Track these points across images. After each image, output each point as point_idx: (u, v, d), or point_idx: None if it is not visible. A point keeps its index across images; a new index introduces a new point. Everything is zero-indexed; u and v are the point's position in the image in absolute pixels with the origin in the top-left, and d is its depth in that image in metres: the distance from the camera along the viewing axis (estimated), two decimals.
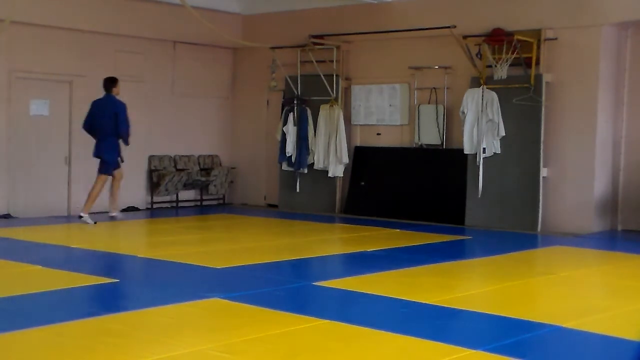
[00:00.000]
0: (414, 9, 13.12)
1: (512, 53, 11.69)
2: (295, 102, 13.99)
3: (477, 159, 12.12)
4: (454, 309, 6.65)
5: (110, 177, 12.00)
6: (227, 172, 15.03)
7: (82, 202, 13.06)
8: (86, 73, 13.11)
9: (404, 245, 10.20)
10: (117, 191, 12.24)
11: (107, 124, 11.75)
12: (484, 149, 12.04)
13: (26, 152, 12.54)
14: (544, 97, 11.76)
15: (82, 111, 13.10)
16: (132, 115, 13.72)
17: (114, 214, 12.23)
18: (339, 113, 13.66)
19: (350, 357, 5.24)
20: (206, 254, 9.25)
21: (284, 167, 14.21)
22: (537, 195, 11.83)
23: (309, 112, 13.98)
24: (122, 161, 12.09)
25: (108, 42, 13.40)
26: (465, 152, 12.24)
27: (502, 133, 11.94)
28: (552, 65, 11.87)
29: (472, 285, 8.15)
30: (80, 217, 11.72)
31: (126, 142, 11.98)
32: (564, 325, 6.04)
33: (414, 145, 13.24)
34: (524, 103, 11.78)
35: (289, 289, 7.45)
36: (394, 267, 8.54)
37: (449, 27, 11.81)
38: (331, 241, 11.22)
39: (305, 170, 13.98)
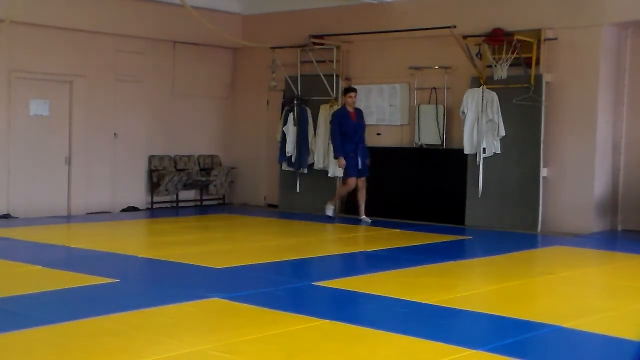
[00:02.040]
0: (414, 9, 13.12)
1: (512, 53, 11.68)
2: (295, 102, 13.99)
3: (477, 159, 12.12)
4: (454, 309, 6.65)
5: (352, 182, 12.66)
6: (227, 172, 15.03)
7: (82, 202, 13.17)
8: (86, 73, 13.12)
9: (404, 245, 10.19)
10: (359, 198, 12.67)
11: None
12: (484, 149, 12.04)
13: (26, 152, 12.54)
14: (544, 97, 11.76)
15: (82, 111, 13.15)
16: (132, 115, 13.82)
17: (360, 218, 12.56)
18: None
19: (350, 357, 5.24)
20: (206, 254, 9.25)
21: (284, 167, 14.21)
22: (537, 195, 11.83)
23: (309, 112, 13.98)
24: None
25: (108, 42, 13.40)
26: (465, 152, 12.24)
27: (502, 133, 11.95)
28: (552, 65, 11.87)
29: (472, 285, 8.15)
30: (327, 212, 12.73)
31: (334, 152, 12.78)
32: (564, 325, 6.04)
33: (414, 145, 13.24)
34: (524, 103, 11.78)
35: (289, 289, 7.45)
36: (394, 267, 8.54)
37: (449, 27, 11.81)
38: (331, 241, 11.22)
39: (305, 170, 13.98)
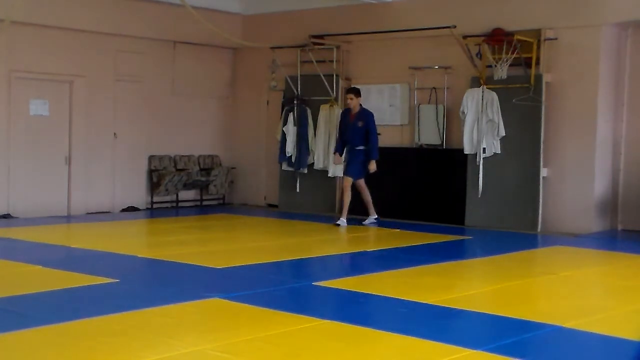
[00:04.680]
0: (414, 9, 13.12)
1: (512, 53, 11.68)
2: (295, 102, 14.00)
3: (477, 159, 12.13)
4: (454, 309, 6.65)
5: (356, 183, 12.33)
6: (227, 172, 15.03)
7: (82, 202, 13.16)
8: (86, 73, 13.12)
9: (404, 245, 10.20)
10: (364, 199, 12.36)
11: None
12: (484, 149, 12.05)
13: (26, 152, 12.54)
14: (544, 97, 11.76)
15: (82, 111, 13.15)
16: (132, 115, 13.82)
17: (367, 222, 12.29)
18: (339, 113, 13.65)
19: (350, 357, 5.24)
20: (206, 254, 9.25)
21: (284, 167, 14.21)
22: (537, 195, 11.83)
23: (309, 112, 13.99)
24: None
25: (108, 42, 13.40)
26: (465, 152, 12.24)
27: (502, 133, 11.95)
28: (552, 65, 11.87)
29: (472, 285, 8.14)
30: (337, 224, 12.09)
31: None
32: (564, 325, 6.04)
33: (414, 145, 13.24)
34: (524, 103, 11.78)
35: (289, 289, 7.45)
36: (394, 267, 8.54)
37: (449, 27, 11.82)
38: (331, 241, 11.21)
39: (305, 170, 13.99)
